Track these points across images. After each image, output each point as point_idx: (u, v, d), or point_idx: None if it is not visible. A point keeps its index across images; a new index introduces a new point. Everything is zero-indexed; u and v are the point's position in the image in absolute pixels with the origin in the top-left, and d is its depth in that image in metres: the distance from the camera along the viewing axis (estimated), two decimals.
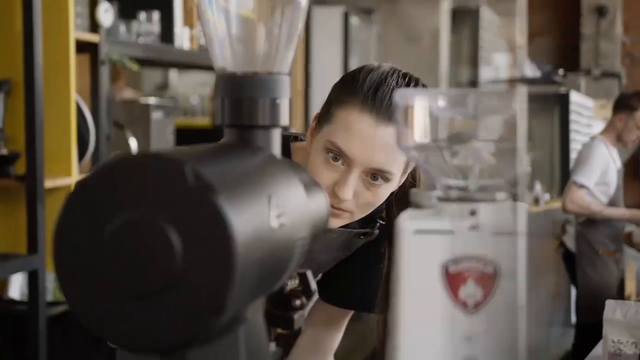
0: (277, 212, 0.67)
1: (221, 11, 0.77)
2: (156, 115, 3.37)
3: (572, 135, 7.47)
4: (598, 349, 2.21)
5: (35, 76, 2.50)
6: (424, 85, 1.35)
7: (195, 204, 0.59)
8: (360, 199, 1.31)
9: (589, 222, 4.59)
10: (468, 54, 7.55)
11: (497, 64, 6.66)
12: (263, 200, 0.66)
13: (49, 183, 2.56)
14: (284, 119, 0.78)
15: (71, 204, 0.62)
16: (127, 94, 4.43)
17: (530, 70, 6.70)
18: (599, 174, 4.59)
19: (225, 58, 0.77)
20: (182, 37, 3.62)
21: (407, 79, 1.32)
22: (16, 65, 2.56)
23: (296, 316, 0.82)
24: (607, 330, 1.96)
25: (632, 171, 7.45)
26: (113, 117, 3.24)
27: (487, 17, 7.69)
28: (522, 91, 0.62)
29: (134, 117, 3.35)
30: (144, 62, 3.61)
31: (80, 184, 0.62)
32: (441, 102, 0.68)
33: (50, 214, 2.60)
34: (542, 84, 7.01)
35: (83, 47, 2.87)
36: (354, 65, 5.13)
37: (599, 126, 8.71)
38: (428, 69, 6.25)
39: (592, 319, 4.54)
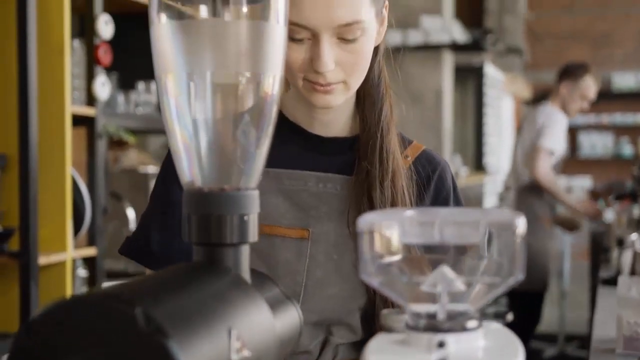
0: (238, 344, 0.65)
1: (188, 124, 0.75)
2: None
3: (484, 109, 7.42)
4: (609, 332, 1.80)
5: (30, 151, 2.49)
6: None
7: (145, 349, 0.56)
8: (345, 64, 1.22)
9: (532, 187, 4.45)
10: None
11: (426, 28, 6.31)
12: (222, 334, 0.63)
13: (43, 260, 2.53)
14: (253, 235, 0.75)
15: (19, 345, 0.59)
16: (132, 156, 4.42)
17: (459, 34, 6.41)
18: (562, 141, 4.50)
19: (192, 173, 0.75)
20: None
21: None
22: (11, 140, 2.56)
23: None
24: (621, 310, 1.66)
25: None
26: (112, 187, 3.22)
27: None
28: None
29: (134, 186, 3.34)
30: (142, 132, 3.62)
31: (28, 325, 0.59)
32: (407, 227, 0.66)
33: (45, 291, 2.57)
34: (471, 49, 6.81)
35: (80, 120, 2.87)
36: None
37: (507, 100, 8.64)
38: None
39: (528, 286, 4.36)
